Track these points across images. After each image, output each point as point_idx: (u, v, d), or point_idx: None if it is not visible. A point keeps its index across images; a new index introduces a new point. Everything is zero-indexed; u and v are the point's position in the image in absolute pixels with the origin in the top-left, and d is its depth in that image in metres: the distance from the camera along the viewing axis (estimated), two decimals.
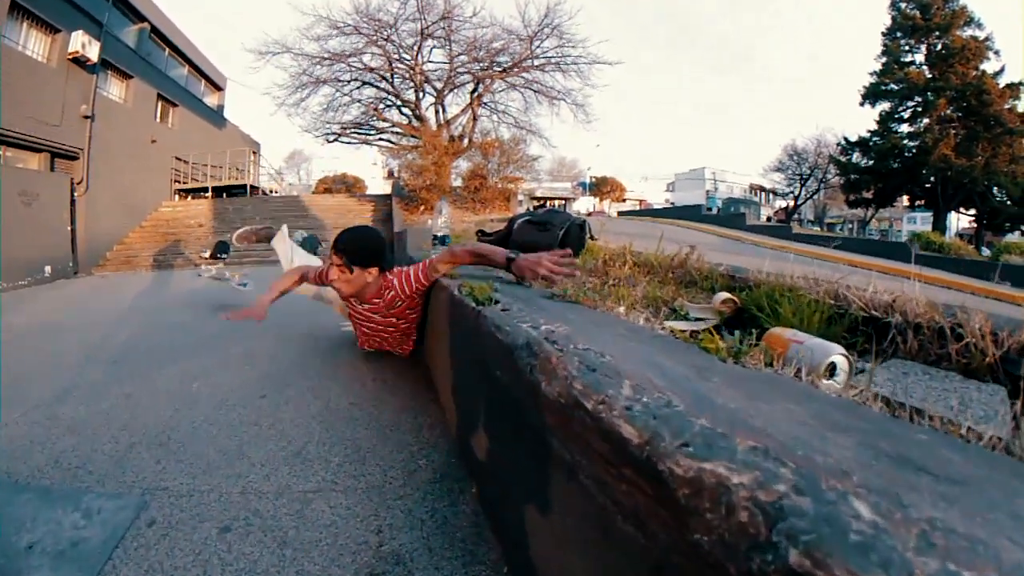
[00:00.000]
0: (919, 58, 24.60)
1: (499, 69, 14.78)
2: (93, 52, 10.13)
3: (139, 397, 2.22)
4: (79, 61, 10.01)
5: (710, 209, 30.14)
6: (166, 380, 2.45)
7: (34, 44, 9.41)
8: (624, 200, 44.18)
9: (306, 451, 1.69)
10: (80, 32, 9.84)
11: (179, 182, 14.93)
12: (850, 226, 40.78)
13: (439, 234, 2.87)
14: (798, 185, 36.55)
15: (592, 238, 2.62)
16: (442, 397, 1.97)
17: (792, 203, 37.58)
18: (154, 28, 13.66)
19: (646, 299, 1.63)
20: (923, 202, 25.63)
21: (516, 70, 14.79)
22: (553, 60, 14.75)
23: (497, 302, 1.31)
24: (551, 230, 2.38)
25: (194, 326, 3.91)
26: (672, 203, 41.24)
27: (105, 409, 2.10)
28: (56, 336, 3.88)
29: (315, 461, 1.63)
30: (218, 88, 18.59)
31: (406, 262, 4.39)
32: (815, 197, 37.84)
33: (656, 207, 37.29)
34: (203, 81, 17.53)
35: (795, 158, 36.18)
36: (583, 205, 38.58)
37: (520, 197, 14.28)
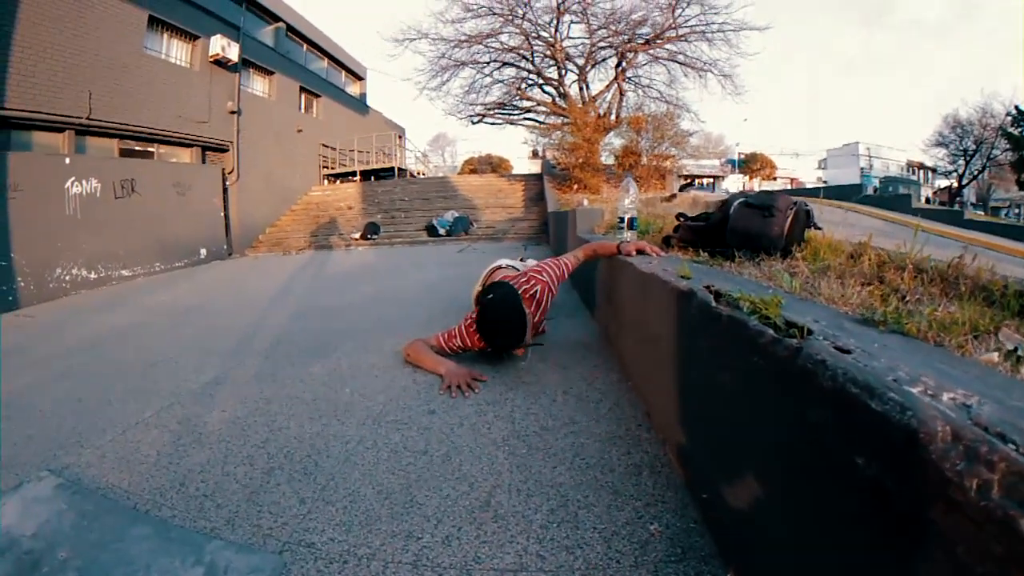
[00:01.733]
0: None
1: (641, 41, 13.81)
2: (233, 53, 10.82)
3: (281, 403, 1.97)
4: (220, 63, 10.74)
5: (867, 188, 26.85)
6: (312, 382, 2.19)
7: (176, 51, 10.19)
8: (775, 178, 40.22)
9: (496, 501, 1.28)
10: (219, 36, 10.54)
11: (327, 167, 15.75)
12: (1017, 211, 34.72)
13: (627, 216, 2.38)
14: (962, 162, 31.31)
15: (817, 227, 2.00)
16: (665, 431, 1.49)
17: (956, 183, 32.36)
18: (289, 27, 14.44)
19: (959, 325, 1.04)
20: None
21: (659, 42, 13.77)
22: (697, 29, 13.54)
23: (811, 331, 0.80)
24: (776, 216, 1.80)
25: (343, 312, 3.73)
26: (825, 181, 37.17)
27: (242, 417, 1.86)
28: (200, 319, 3.92)
29: (510, 518, 1.21)
30: (359, 78, 19.38)
31: (574, 244, 4.07)
32: (980, 177, 32.39)
33: (808, 186, 33.83)
34: (343, 72, 18.36)
35: (958, 130, 30.96)
36: (732, 183, 35.95)
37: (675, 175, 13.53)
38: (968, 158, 30.95)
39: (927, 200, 31.17)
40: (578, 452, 1.47)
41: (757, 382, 0.89)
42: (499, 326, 2.02)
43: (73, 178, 7.28)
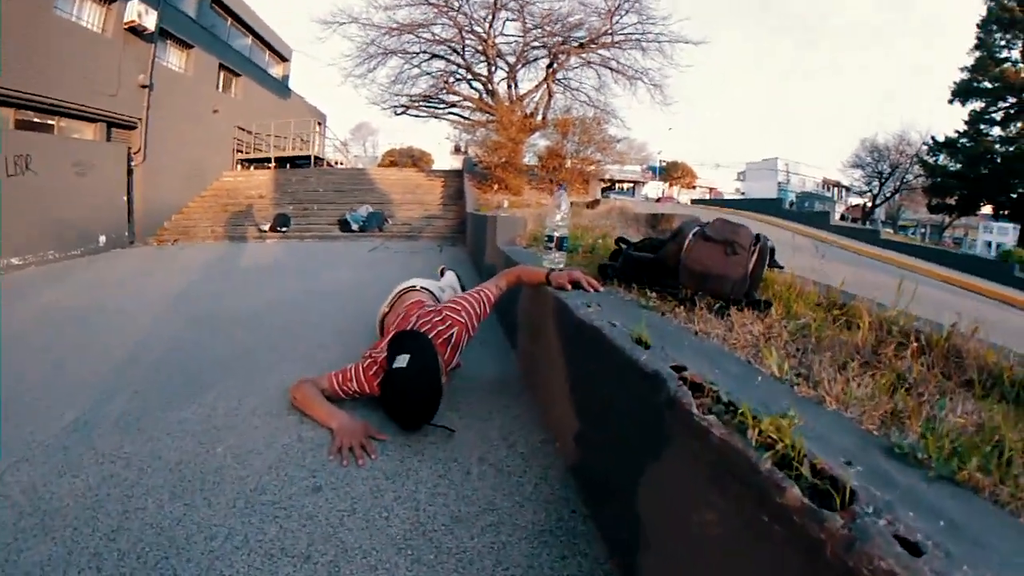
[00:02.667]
0: (1015, 55, 22.61)
1: (575, 44, 13.85)
2: (150, 21, 9.81)
3: (142, 466, 1.56)
4: (136, 31, 9.72)
5: (784, 202, 28.49)
6: (182, 434, 1.77)
7: (88, 14, 9.13)
8: (694, 187, 42.38)
9: None
10: (136, 1, 9.52)
11: (241, 152, 14.66)
12: (923, 231, 38.07)
13: (556, 234, 2.02)
14: (877, 184, 34.04)
15: (779, 267, 1.81)
16: (607, 530, 1.23)
17: (870, 202, 35.11)
18: None
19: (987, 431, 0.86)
20: (1007, 213, 23.90)
21: (593, 46, 13.86)
22: (633, 37, 13.75)
23: (855, 493, 0.56)
24: (740, 253, 1.57)
25: (233, 326, 3.26)
26: (743, 193, 39.37)
27: (95, 487, 1.45)
28: (78, 331, 3.31)
29: None
30: (283, 59, 18.26)
31: (493, 255, 3.75)
32: (892, 199, 35.28)
33: (727, 197, 35.58)
34: (267, 52, 17.23)
35: (875, 154, 33.67)
36: (652, 190, 37.27)
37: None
38: (883, 180, 33.58)
39: (842, 217, 33.49)
40: (500, 558, 1.17)
41: (773, 550, 0.63)
42: (406, 401, 1.69)
43: None
